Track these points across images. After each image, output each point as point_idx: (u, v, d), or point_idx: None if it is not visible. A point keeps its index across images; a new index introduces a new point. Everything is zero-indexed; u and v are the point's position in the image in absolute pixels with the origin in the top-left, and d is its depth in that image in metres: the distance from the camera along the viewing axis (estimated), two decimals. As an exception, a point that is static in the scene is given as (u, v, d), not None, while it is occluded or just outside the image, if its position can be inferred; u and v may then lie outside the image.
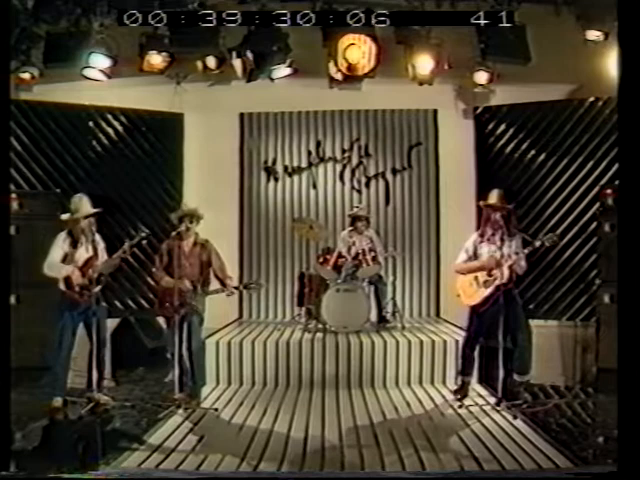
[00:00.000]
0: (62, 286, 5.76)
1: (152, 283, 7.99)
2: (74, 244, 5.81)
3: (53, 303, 5.84)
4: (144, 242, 5.93)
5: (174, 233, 5.95)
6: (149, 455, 4.61)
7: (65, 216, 5.87)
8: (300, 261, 8.88)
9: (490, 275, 5.82)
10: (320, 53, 7.37)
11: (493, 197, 5.93)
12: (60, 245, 5.78)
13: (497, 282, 5.77)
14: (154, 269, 6.18)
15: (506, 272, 5.74)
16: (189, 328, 5.85)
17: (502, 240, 5.76)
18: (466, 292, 6.01)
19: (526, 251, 5.73)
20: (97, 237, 5.90)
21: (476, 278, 5.92)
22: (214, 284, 6.06)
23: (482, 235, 5.98)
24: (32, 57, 7.19)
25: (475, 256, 5.98)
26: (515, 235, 5.88)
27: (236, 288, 5.87)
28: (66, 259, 5.77)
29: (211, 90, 8.36)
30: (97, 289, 5.75)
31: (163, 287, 5.99)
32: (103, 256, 5.88)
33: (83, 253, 5.80)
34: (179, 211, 6.16)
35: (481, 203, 6.01)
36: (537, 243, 5.67)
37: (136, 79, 7.74)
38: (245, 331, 7.66)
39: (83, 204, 5.85)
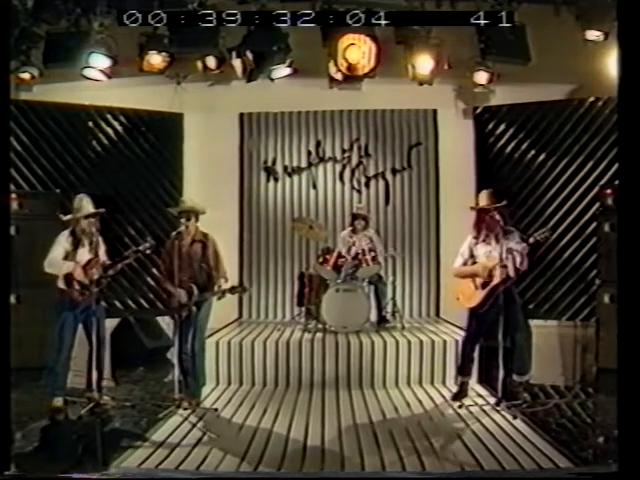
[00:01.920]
0: (62, 284, 5.75)
1: (152, 283, 8.05)
2: (76, 243, 5.80)
3: (53, 303, 5.84)
4: (148, 251, 5.92)
5: (174, 233, 5.95)
6: (149, 455, 4.61)
7: (67, 216, 5.87)
8: (300, 261, 8.88)
9: (488, 276, 5.82)
10: (320, 53, 7.37)
11: (483, 199, 5.95)
12: (62, 243, 5.78)
13: (494, 282, 5.78)
14: (156, 271, 6.16)
15: (503, 272, 5.73)
16: (194, 328, 5.85)
17: (497, 240, 5.76)
18: (465, 294, 6.01)
19: (520, 248, 5.71)
20: (99, 239, 5.90)
21: (474, 280, 5.92)
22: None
23: (477, 237, 5.97)
24: (32, 57, 7.19)
25: (472, 258, 5.97)
26: (511, 233, 5.86)
27: (223, 292, 5.83)
28: (67, 258, 5.77)
29: (211, 90, 8.37)
30: (96, 290, 5.75)
31: (166, 289, 6.00)
32: (103, 258, 5.88)
33: (85, 253, 5.79)
34: (180, 206, 6.08)
35: (473, 207, 6.01)
36: (531, 240, 5.67)
37: (136, 79, 7.75)
38: (245, 331, 7.65)
39: (85, 204, 5.85)
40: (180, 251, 5.82)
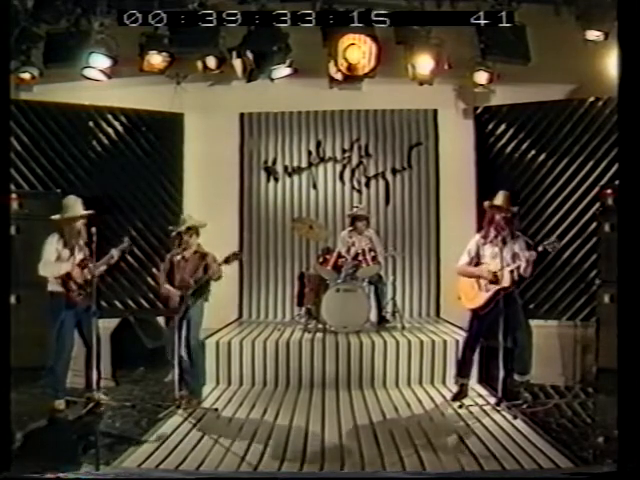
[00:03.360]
0: (55, 286, 5.75)
1: (153, 284, 8.04)
2: (66, 245, 5.80)
3: (48, 306, 5.83)
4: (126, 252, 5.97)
5: (174, 233, 5.96)
6: (149, 455, 4.61)
7: (55, 217, 5.87)
8: (300, 261, 8.88)
9: (492, 279, 5.79)
10: (320, 53, 7.36)
11: (499, 199, 5.85)
12: (54, 245, 5.78)
13: (500, 286, 5.74)
14: (156, 272, 6.17)
15: (508, 276, 5.71)
16: (187, 327, 5.85)
17: (504, 242, 5.73)
18: (467, 295, 5.98)
19: (526, 255, 5.66)
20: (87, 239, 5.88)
21: (477, 281, 5.88)
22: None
23: (485, 237, 5.92)
24: (32, 57, 7.18)
25: (478, 258, 5.93)
26: (518, 238, 5.84)
27: (219, 264, 5.78)
28: (59, 259, 5.77)
29: (211, 90, 8.38)
30: (89, 290, 5.76)
31: (164, 292, 6.03)
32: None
33: (76, 254, 5.81)
34: (182, 223, 6.05)
35: (486, 204, 5.94)
36: (539, 248, 5.62)
37: (136, 79, 7.75)
38: (245, 331, 7.66)
39: (74, 205, 5.86)
40: (181, 260, 5.91)
